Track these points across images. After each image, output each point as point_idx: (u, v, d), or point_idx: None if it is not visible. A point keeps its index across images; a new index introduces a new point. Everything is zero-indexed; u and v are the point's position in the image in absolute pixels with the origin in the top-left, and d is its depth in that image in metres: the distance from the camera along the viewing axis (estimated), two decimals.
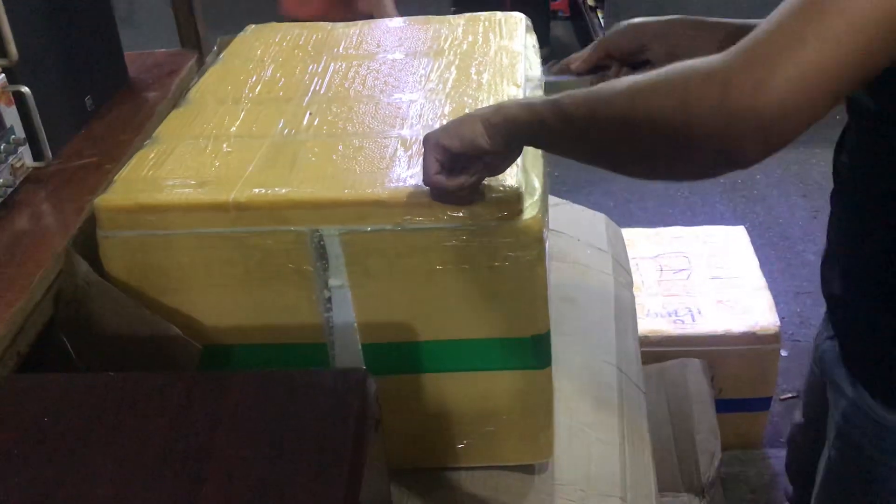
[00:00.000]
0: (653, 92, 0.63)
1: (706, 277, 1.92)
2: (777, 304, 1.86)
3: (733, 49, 0.60)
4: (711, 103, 0.59)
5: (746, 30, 0.74)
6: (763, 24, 0.60)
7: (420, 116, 0.99)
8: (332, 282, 0.88)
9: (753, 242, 2.03)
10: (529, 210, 0.85)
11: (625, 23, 1.02)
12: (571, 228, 1.52)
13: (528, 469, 1.01)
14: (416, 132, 0.95)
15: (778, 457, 1.84)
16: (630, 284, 1.53)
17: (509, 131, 0.77)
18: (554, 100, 0.73)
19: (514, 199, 0.84)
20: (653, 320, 1.83)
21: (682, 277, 1.94)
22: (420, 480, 1.00)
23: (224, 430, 0.63)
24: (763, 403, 1.87)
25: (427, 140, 0.81)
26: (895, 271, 0.81)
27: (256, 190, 0.86)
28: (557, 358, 0.97)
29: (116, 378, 0.67)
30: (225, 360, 0.92)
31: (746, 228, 2.09)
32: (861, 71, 0.59)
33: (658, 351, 1.80)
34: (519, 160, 0.84)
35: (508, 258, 0.86)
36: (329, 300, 0.89)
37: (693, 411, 1.69)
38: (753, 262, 1.95)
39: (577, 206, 1.62)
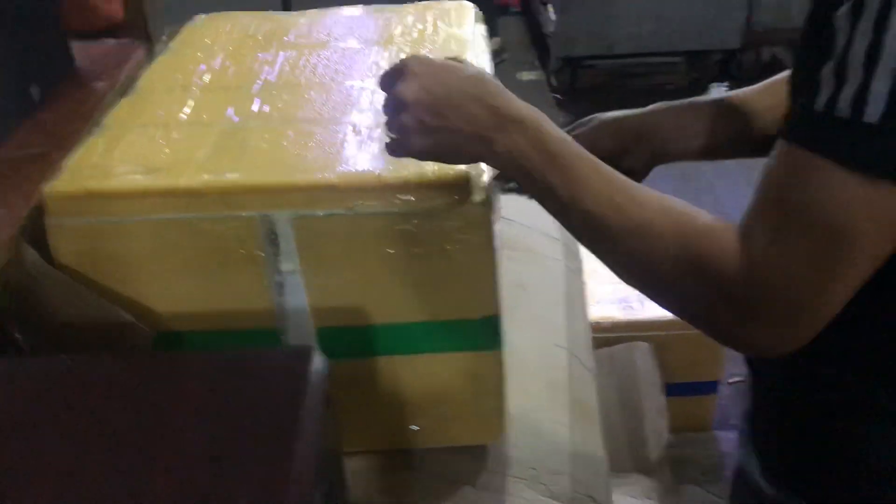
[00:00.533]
0: (669, 271, 0.63)
1: None
2: None
3: (747, 269, 0.58)
4: (728, 329, 0.63)
5: (741, 113, 0.74)
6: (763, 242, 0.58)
7: (371, 103, 1.00)
8: (284, 267, 0.89)
9: None
10: (478, 194, 0.87)
11: (598, 119, 0.90)
12: (522, 216, 1.55)
13: (481, 449, 1.03)
14: (367, 118, 0.96)
15: (727, 439, 1.89)
16: (580, 271, 1.56)
17: (507, 164, 0.70)
18: (573, 176, 0.66)
19: (463, 184, 0.86)
20: (603, 307, 1.87)
21: None
22: (372, 463, 1.01)
23: (177, 410, 0.63)
24: (711, 387, 1.92)
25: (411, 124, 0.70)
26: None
27: (207, 176, 0.87)
28: (509, 341, 0.99)
29: (68, 360, 0.67)
30: (177, 346, 0.92)
31: None
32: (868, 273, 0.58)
33: (609, 337, 1.84)
34: None
35: (458, 241, 0.87)
36: (281, 285, 0.90)
37: (641, 394, 1.74)
38: None
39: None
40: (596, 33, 3.77)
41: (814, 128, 0.55)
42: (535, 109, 0.70)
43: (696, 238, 0.62)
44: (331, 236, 0.87)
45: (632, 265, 0.67)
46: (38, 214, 0.88)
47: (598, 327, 1.78)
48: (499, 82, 0.71)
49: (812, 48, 0.56)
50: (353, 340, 0.94)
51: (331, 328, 0.93)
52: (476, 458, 1.02)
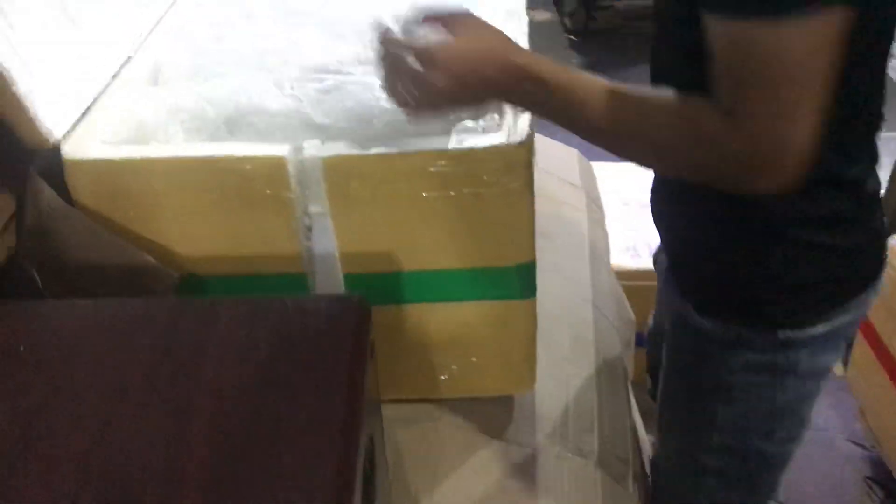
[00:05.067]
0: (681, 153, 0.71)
1: None
2: None
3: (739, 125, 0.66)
4: (736, 180, 0.70)
5: None
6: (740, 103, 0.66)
7: None
8: (313, 209, 0.85)
9: None
10: (518, 135, 0.82)
11: None
12: (545, 162, 1.50)
13: (509, 400, 1.00)
14: None
15: None
16: (602, 221, 1.53)
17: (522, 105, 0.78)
18: (578, 102, 0.74)
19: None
20: (613, 255, 1.83)
21: (644, 213, 1.94)
22: (401, 412, 0.98)
23: (213, 355, 0.60)
24: None
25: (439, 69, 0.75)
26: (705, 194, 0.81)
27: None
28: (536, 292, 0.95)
29: (97, 304, 0.64)
30: (200, 291, 0.89)
31: None
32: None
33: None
34: None
35: (495, 185, 0.83)
36: (309, 228, 0.86)
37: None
38: None
39: (549, 140, 1.60)
40: None
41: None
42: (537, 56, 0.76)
43: (687, 118, 0.70)
44: (362, 177, 0.83)
45: (647, 154, 0.76)
46: (55, 150, 0.83)
47: None
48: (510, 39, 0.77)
49: None
50: (383, 287, 0.90)
51: (360, 274, 0.89)
52: (505, 410, 1.00)
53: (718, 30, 0.66)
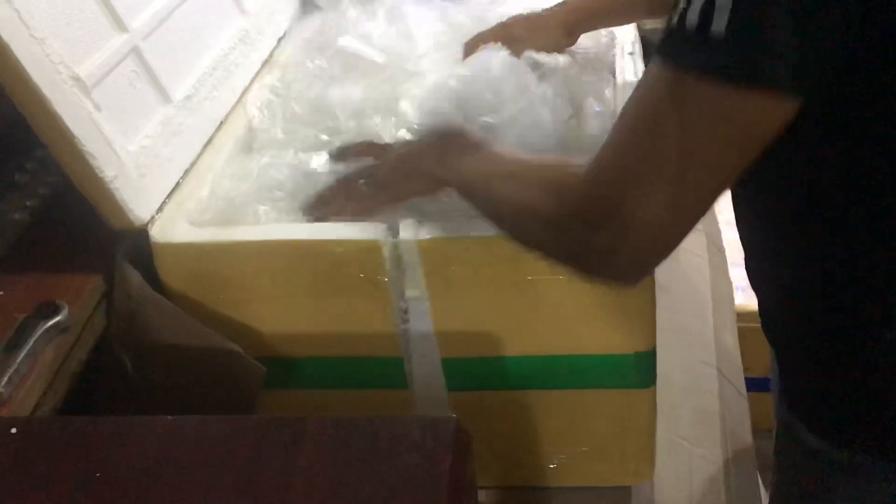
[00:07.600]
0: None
1: None
2: None
3: (589, 184, 0.59)
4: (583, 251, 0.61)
5: None
6: (608, 155, 0.59)
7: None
8: (409, 292, 0.79)
9: None
10: None
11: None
12: None
13: (625, 490, 0.91)
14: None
15: None
16: (725, 267, 1.40)
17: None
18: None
19: None
20: (735, 294, 1.69)
21: None
22: (504, 498, 0.91)
23: (297, 489, 0.54)
24: None
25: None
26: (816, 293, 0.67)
27: None
28: None
29: (174, 424, 0.59)
30: (292, 374, 0.84)
31: None
32: (724, 185, 0.59)
33: (740, 327, 1.66)
34: None
35: None
36: (406, 311, 0.80)
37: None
38: None
39: None
40: None
41: (664, 42, 0.55)
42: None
43: (550, 168, 0.65)
44: (462, 260, 0.77)
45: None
46: (143, 231, 0.80)
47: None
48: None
49: None
50: (484, 373, 0.83)
51: (460, 359, 0.82)
52: (619, 500, 0.91)
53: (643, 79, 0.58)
